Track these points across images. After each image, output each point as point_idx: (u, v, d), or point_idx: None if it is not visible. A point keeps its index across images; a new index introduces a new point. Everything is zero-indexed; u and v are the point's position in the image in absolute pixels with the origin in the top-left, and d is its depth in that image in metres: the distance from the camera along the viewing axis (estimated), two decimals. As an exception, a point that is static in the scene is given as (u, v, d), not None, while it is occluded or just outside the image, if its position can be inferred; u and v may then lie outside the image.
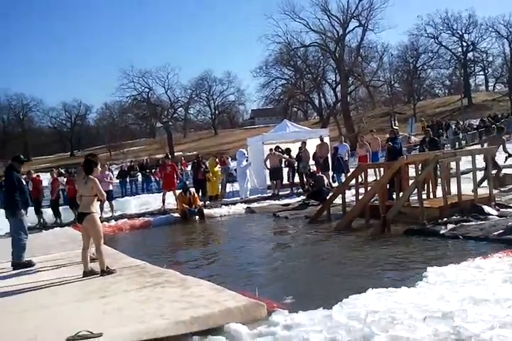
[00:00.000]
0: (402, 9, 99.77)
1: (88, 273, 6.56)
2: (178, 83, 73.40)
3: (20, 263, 7.61)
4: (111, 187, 14.81)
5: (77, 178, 8.52)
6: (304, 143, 17.53)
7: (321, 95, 59.83)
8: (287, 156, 17.22)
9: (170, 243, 11.09)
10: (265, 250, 8.93)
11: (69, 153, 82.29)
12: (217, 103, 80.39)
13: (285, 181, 17.40)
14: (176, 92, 72.18)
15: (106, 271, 6.57)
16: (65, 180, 15.48)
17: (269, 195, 16.47)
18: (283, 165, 17.31)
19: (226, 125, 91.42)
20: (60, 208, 15.03)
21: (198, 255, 9.00)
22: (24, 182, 8.38)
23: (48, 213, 15.09)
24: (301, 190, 16.50)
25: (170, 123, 70.90)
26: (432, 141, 13.80)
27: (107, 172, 14.96)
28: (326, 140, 18.14)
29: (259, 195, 16.57)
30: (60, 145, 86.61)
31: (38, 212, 14.47)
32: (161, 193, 15.71)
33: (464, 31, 63.27)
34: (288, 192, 16.65)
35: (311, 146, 17.86)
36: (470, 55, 65.66)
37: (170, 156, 18.25)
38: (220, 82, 78.15)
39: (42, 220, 14.59)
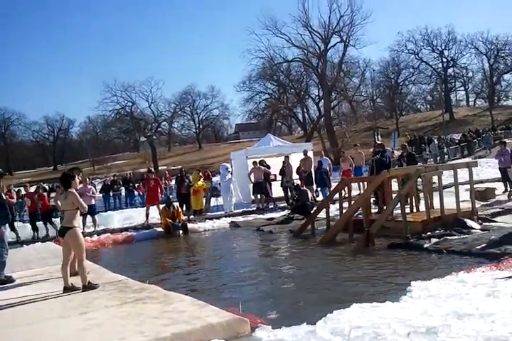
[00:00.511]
0: (383, 25, 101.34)
1: (69, 289, 6.44)
2: (161, 97, 73.18)
3: (0, 280, 7.42)
4: (93, 202, 14.61)
5: (56, 193, 8.42)
6: (287, 157, 17.57)
7: (305, 110, 60.22)
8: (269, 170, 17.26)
9: (153, 258, 10.96)
10: (249, 265, 8.86)
11: (52, 167, 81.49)
12: (201, 117, 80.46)
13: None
14: (160, 106, 72.12)
15: (88, 286, 6.46)
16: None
17: (254, 209, 16.44)
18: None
19: (211, 139, 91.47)
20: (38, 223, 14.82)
21: (181, 270, 8.91)
22: (4, 197, 8.18)
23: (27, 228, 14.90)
24: (284, 204, 16.49)
25: (154, 137, 70.63)
26: (409, 155, 13.95)
27: (89, 187, 14.80)
28: (310, 154, 18.23)
29: (244, 209, 16.52)
30: (42, 159, 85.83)
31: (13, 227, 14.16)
32: (145, 208, 15.55)
33: (443, 47, 64.51)
34: (272, 206, 16.63)
35: (295, 160, 17.93)
36: (450, 70, 66.87)
37: (153, 170, 18.12)
38: (204, 96, 78.34)
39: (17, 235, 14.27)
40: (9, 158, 77.55)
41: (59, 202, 7.15)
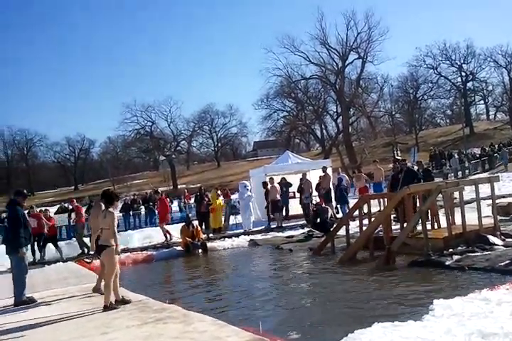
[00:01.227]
0: (401, 41, 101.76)
1: (108, 308, 6.50)
2: (180, 116, 74.09)
3: (21, 301, 7.48)
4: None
5: (92, 211, 8.55)
6: (304, 174, 17.55)
7: (323, 126, 60.42)
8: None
9: (173, 277, 10.98)
10: (269, 283, 8.82)
11: (73, 187, 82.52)
12: (219, 135, 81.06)
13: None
14: (179, 125, 73.07)
15: (109, 307, 6.50)
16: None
17: (273, 226, 16.39)
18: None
19: (229, 157, 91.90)
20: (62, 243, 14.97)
21: (201, 289, 8.89)
22: (27, 218, 8.30)
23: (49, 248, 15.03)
24: (303, 222, 16.41)
25: (173, 156, 71.33)
26: (425, 171, 13.82)
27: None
28: (329, 171, 18.18)
29: (263, 227, 16.46)
30: (63, 179, 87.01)
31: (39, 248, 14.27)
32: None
33: (462, 61, 64.34)
34: (292, 224, 16.56)
35: (314, 177, 17.89)
36: (470, 84, 66.57)
37: (159, 191, 18.28)
38: (223, 114, 79.15)
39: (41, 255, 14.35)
40: (31, 179, 78.85)
41: (97, 219, 7.30)
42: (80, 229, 15.24)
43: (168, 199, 25.84)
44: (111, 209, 6.79)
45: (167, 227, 15.57)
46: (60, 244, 15.06)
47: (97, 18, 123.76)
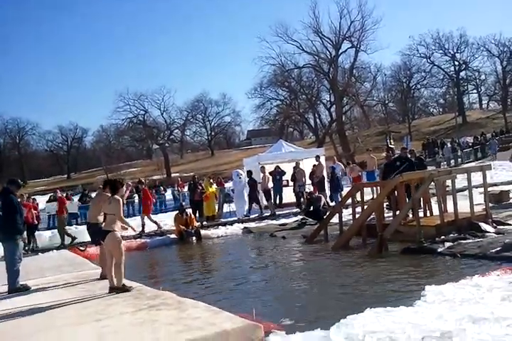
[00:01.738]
0: (394, 30, 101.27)
1: (115, 289, 6.64)
2: (173, 105, 73.89)
3: (15, 289, 7.48)
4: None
5: (95, 198, 8.60)
6: (297, 163, 17.58)
7: (316, 115, 60.28)
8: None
9: (166, 265, 11.01)
10: (262, 271, 8.87)
11: (66, 176, 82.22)
12: (213, 124, 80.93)
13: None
14: (172, 114, 72.82)
15: (121, 288, 6.62)
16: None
17: (267, 214, 16.43)
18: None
19: (223, 146, 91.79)
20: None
21: (194, 276, 8.94)
22: (21, 206, 8.25)
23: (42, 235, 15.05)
24: (297, 210, 16.47)
25: (166, 144, 71.11)
26: (418, 160, 13.84)
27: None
28: (322, 159, 18.21)
29: (257, 215, 16.51)
30: (56, 168, 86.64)
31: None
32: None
33: (455, 50, 64.34)
34: (286, 212, 16.62)
35: (307, 166, 17.93)
36: (462, 73, 66.65)
37: (143, 181, 18.21)
38: (216, 103, 78.97)
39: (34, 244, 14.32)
40: (24, 168, 78.48)
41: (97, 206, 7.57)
42: (60, 221, 14.96)
43: (162, 188, 25.96)
44: (117, 196, 6.85)
45: (154, 218, 15.64)
46: (54, 231, 15.07)
47: (89, 6, 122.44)
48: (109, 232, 6.71)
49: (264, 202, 17.26)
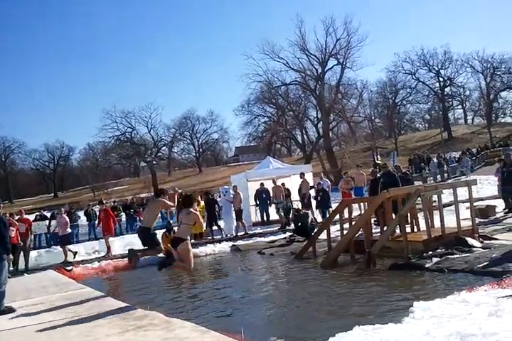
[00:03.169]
0: (379, 47, 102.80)
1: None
2: (161, 122, 73.68)
3: (0, 311, 7.33)
4: (69, 230, 14.77)
5: (151, 204, 9.01)
6: (273, 180, 17.65)
7: (304, 131, 60.54)
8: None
9: (154, 284, 10.88)
10: (251, 289, 8.81)
11: (52, 195, 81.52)
12: (201, 141, 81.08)
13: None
14: (160, 131, 72.64)
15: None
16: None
17: (256, 232, 16.35)
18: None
19: (210, 163, 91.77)
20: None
21: (183, 295, 8.87)
22: (7, 225, 8.10)
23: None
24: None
25: (154, 162, 70.92)
26: (403, 174, 13.94)
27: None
28: (309, 175, 18.28)
29: (245, 232, 16.44)
30: (43, 186, 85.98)
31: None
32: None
33: (440, 67, 65.41)
34: (274, 229, 16.57)
35: (295, 182, 18.01)
36: (447, 89, 67.66)
37: (104, 202, 17.58)
38: (204, 120, 79.15)
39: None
40: (10, 186, 77.68)
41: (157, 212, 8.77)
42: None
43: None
44: (193, 210, 7.72)
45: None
46: (40, 251, 14.87)
47: (74, 21, 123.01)
48: (183, 240, 7.34)
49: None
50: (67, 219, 15.39)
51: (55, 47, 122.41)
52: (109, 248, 14.66)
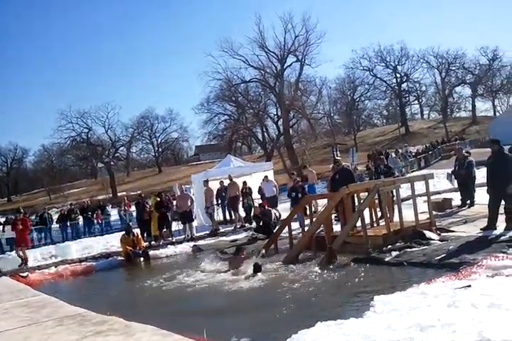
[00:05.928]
0: (337, 44, 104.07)
1: None
2: (118, 122, 72.73)
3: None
4: None
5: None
6: (205, 181, 17.51)
7: (264, 129, 60.64)
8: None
9: (114, 287, 10.65)
10: (213, 289, 8.71)
11: (6, 199, 79.05)
12: (160, 141, 80.00)
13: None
14: (117, 131, 71.63)
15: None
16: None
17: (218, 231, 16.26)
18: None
19: (170, 162, 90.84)
20: None
21: (143, 298, 8.68)
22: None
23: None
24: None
25: (112, 163, 69.75)
26: (386, 167, 14.09)
27: None
28: (270, 173, 18.36)
29: (206, 232, 16.30)
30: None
31: None
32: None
33: (396, 63, 66.84)
34: (232, 228, 16.52)
35: (256, 180, 18.05)
36: (404, 85, 69.20)
37: (22, 210, 16.07)
38: (163, 119, 78.05)
39: None
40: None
41: None
42: None
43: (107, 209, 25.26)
44: None
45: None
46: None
47: (29, 20, 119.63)
48: None
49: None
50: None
51: (9, 46, 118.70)
52: (26, 259, 13.70)
